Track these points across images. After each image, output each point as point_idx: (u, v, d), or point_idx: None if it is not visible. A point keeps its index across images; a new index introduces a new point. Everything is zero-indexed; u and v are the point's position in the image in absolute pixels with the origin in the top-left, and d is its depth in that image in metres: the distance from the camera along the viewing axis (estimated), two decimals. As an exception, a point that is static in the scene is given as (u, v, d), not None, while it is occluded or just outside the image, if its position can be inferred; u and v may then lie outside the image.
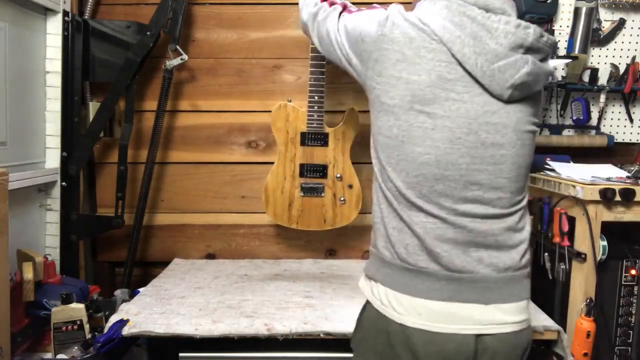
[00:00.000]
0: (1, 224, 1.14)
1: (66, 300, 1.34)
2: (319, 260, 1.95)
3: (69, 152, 1.73)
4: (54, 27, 1.68)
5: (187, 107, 1.92)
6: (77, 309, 1.35)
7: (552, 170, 1.68)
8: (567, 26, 1.88)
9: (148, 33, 1.74)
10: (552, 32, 1.86)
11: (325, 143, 1.73)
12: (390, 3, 1.07)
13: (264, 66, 1.91)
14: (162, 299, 1.51)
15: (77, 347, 1.31)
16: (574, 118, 1.89)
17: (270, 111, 1.83)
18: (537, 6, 1.82)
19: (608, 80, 1.86)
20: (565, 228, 1.45)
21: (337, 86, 1.86)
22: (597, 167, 1.68)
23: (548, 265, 1.54)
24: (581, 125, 1.92)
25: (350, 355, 1.20)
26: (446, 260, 0.96)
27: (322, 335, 1.31)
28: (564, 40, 1.89)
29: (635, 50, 1.90)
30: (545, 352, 1.41)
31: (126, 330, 1.30)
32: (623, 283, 1.46)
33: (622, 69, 1.88)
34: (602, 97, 1.87)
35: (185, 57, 1.77)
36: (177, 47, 1.77)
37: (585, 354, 1.32)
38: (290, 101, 1.75)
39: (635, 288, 1.47)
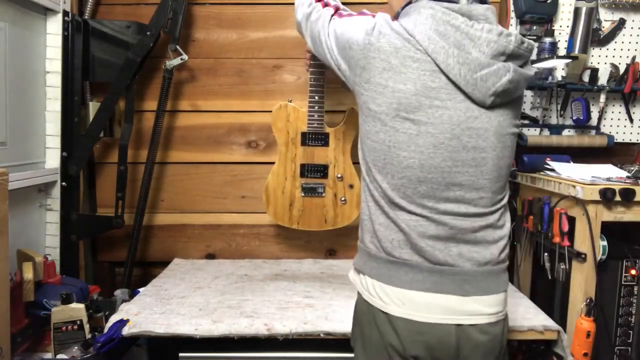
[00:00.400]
0: (1, 224, 1.14)
1: (66, 300, 1.34)
2: (319, 260, 1.95)
3: (69, 152, 1.73)
4: (54, 27, 1.68)
5: (187, 107, 1.92)
6: (77, 309, 1.35)
7: (552, 170, 1.68)
8: (567, 26, 1.88)
9: (148, 33, 1.74)
10: (552, 32, 1.86)
11: (325, 143, 1.73)
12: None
13: (264, 66, 1.91)
14: (162, 299, 1.51)
15: (77, 347, 1.31)
16: (574, 118, 1.89)
17: (270, 111, 1.82)
18: (537, 6, 1.82)
19: (608, 80, 1.86)
20: (565, 228, 1.45)
21: (337, 86, 1.85)
22: (597, 167, 1.68)
23: (548, 265, 1.54)
24: (581, 125, 1.92)
25: (349, 355, 1.20)
26: (429, 254, 1.01)
27: (322, 335, 1.31)
28: (564, 40, 1.89)
29: (635, 50, 1.90)
30: (545, 352, 1.41)
31: (126, 330, 1.30)
32: (623, 283, 1.47)
33: (622, 69, 1.88)
34: (602, 97, 1.87)
35: (185, 57, 1.77)
36: (177, 47, 1.77)
37: (585, 354, 1.32)
38: (290, 101, 1.74)
39: (635, 288, 1.47)
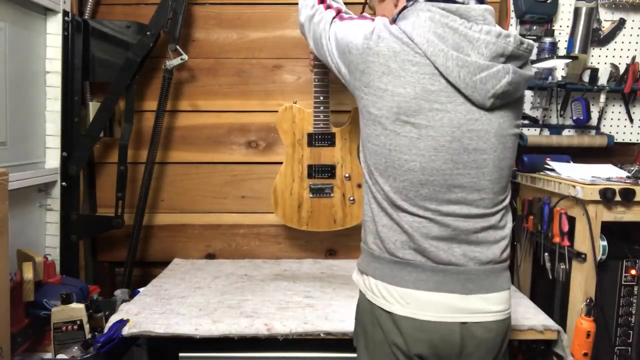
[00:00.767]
0: (1, 224, 1.14)
1: (66, 300, 1.34)
2: (319, 260, 1.95)
3: (69, 152, 1.73)
4: (54, 27, 1.68)
5: (187, 107, 1.92)
6: (77, 309, 1.35)
7: (552, 170, 1.68)
8: (567, 26, 1.88)
9: (148, 33, 1.74)
10: (552, 32, 1.86)
11: (332, 143, 1.73)
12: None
13: (264, 66, 1.91)
14: (162, 299, 1.51)
15: (77, 347, 1.31)
16: (574, 118, 1.89)
17: (270, 111, 1.83)
18: (537, 6, 1.82)
19: (608, 80, 1.86)
20: (565, 228, 1.45)
21: (341, 86, 1.86)
22: (597, 167, 1.68)
23: (548, 265, 1.54)
24: (581, 125, 1.92)
25: (349, 355, 1.21)
26: (433, 254, 1.01)
27: (322, 335, 1.31)
28: (564, 40, 1.89)
29: (635, 50, 1.90)
30: (545, 352, 1.41)
31: (126, 330, 1.30)
32: (623, 283, 1.47)
33: (622, 69, 1.88)
34: (602, 97, 1.87)
35: (185, 57, 1.77)
36: (177, 47, 1.77)
37: (585, 354, 1.32)
38: (295, 103, 1.74)
39: (635, 288, 1.47)
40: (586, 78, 1.87)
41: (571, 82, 1.86)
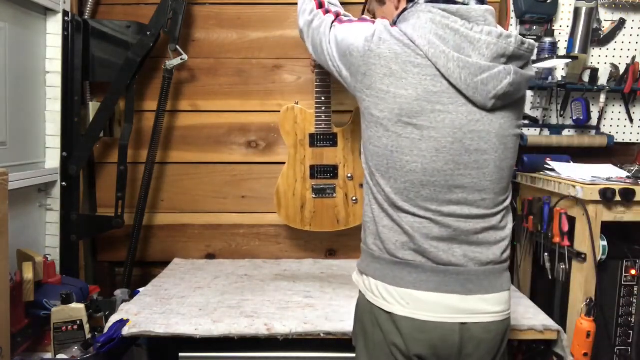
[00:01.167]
0: (1, 224, 1.14)
1: (66, 300, 1.34)
2: (319, 260, 1.95)
3: (69, 152, 1.73)
4: (54, 27, 1.68)
5: (187, 107, 1.92)
6: (77, 309, 1.35)
7: (552, 170, 1.68)
8: (567, 26, 1.88)
9: (148, 33, 1.74)
10: (552, 32, 1.86)
11: (334, 143, 1.73)
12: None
13: (264, 66, 1.91)
14: (162, 299, 1.51)
15: (77, 347, 1.31)
16: (574, 118, 1.89)
17: (270, 111, 1.83)
18: (537, 6, 1.82)
19: (608, 80, 1.86)
20: (565, 228, 1.45)
21: (341, 86, 1.85)
22: (597, 167, 1.68)
23: (548, 265, 1.54)
24: (581, 125, 1.92)
25: (349, 355, 1.20)
26: (433, 255, 1.01)
27: (322, 335, 1.31)
28: (564, 40, 1.89)
29: (635, 50, 1.90)
30: (545, 352, 1.41)
31: (126, 330, 1.30)
32: (623, 283, 1.47)
33: (622, 69, 1.88)
34: (602, 97, 1.87)
35: (185, 57, 1.77)
36: (177, 47, 1.77)
37: (585, 354, 1.32)
38: (297, 103, 1.74)
39: (635, 288, 1.47)
40: (586, 78, 1.87)
41: (571, 82, 1.85)
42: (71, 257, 1.75)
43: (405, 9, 1.06)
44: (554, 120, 1.94)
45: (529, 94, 1.92)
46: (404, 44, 0.99)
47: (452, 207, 1.01)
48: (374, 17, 1.23)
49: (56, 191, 1.71)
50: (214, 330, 1.30)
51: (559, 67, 1.90)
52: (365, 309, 1.09)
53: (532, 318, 1.39)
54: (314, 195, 1.75)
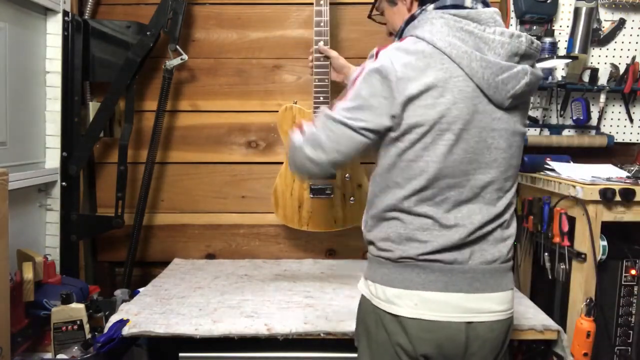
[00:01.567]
0: (1, 224, 1.14)
1: (66, 300, 1.34)
2: (319, 260, 1.95)
3: (69, 152, 1.73)
4: (54, 27, 1.68)
5: (187, 107, 1.92)
6: (77, 309, 1.35)
7: (552, 170, 1.68)
8: (567, 26, 1.88)
9: (148, 33, 1.74)
10: (552, 32, 1.86)
11: None
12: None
13: (264, 66, 1.91)
14: (162, 299, 1.51)
15: (77, 347, 1.31)
16: (574, 118, 1.89)
17: (270, 111, 1.82)
18: (537, 6, 1.82)
19: (608, 80, 1.86)
20: (565, 228, 1.45)
21: (340, 86, 1.86)
22: (597, 167, 1.68)
23: (548, 265, 1.54)
24: (581, 125, 1.92)
25: (349, 355, 1.20)
26: (442, 257, 1.01)
27: (322, 335, 1.31)
28: (564, 40, 1.89)
29: (635, 50, 1.90)
30: (545, 352, 1.41)
31: (126, 330, 1.30)
32: (623, 283, 1.47)
33: (622, 69, 1.88)
34: (602, 97, 1.87)
35: (185, 57, 1.77)
36: (177, 47, 1.77)
37: (585, 354, 1.32)
38: (296, 103, 1.74)
39: (635, 288, 1.47)
40: (586, 78, 1.87)
41: (571, 82, 1.86)
42: (71, 257, 1.75)
43: (413, 17, 1.05)
44: (554, 120, 1.94)
45: (529, 94, 1.92)
46: (425, 54, 0.96)
47: (469, 206, 1.01)
48: (384, 15, 1.21)
49: (56, 191, 1.71)
50: (214, 330, 1.30)
51: (559, 67, 1.90)
52: (368, 310, 1.09)
53: (532, 318, 1.39)
54: (311, 195, 1.75)
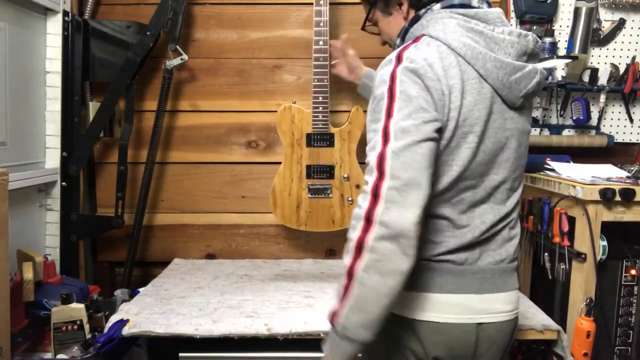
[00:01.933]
0: (1, 224, 1.14)
1: (66, 300, 1.34)
2: (319, 260, 1.95)
3: (69, 152, 1.73)
4: (54, 27, 1.68)
5: (187, 107, 1.92)
6: (77, 309, 1.34)
7: (552, 170, 1.68)
8: (567, 26, 1.88)
9: (148, 33, 1.74)
10: (552, 32, 1.86)
11: (331, 143, 1.73)
12: None
13: (264, 66, 1.91)
14: (162, 299, 1.51)
15: (77, 347, 1.31)
16: (574, 118, 1.89)
17: (270, 111, 1.82)
18: (537, 6, 1.82)
19: (608, 80, 1.86)
20: (565, 228, 1.45)
21: (339, 86, 1.86)
22: (597, 167, 1.68)
23: (548, 265, 1.54)
24: (581, 125, 1.92)
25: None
26: (454, 257, 1.00)
27: (322, 335, 1.31)
28: (564, 40, 1.89)
29: (635, 50, 1.90)
30: (545, 352, 1.41)
31: (126, 330, 1.30)
32: (623, 283, 1.47)
33: (622, 69, 1.88)
34: (602, 97, 1.87)
35: (185, 57, 1.77)
36: (177, 47, 1.77)
37: (585, 354, 1.32)
38: (294, 103, 1.74)
39: (635, 288, 1.47)
40: (586, 78, 1.87)
41: (571, 82, 1.86)
42: (71, 257, 1.75)
43: (417, 17, 1.03)
44: (554, 120, 1.94)
45: (529, 94, 1.92)
46: (441, 56, 0.93)
47: (481, 206, 1.00)
48: (376, 25, 1.18)
49: (56, 191, 1.71)
50: (214, 330, 1.30)
51: (559, 67, 1.90)
52: None
53: (532, 318, 1.39)
54: (309, 195, 1.75)
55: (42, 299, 1.37)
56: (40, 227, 1.70)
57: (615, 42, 1.90)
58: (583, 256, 1.39)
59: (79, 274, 1.79)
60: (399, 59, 0.94)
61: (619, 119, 1.94)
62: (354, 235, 0.90)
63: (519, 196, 1.06)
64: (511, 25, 1.86)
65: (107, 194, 1.86)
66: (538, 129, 1.93)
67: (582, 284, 1.40)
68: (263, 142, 1.94)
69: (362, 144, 1.76)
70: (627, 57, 1.90)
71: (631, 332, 1.48)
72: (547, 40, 1.85)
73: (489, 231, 1.01)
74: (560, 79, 1.88)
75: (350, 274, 0.90)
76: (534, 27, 1.88)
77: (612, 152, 1.94)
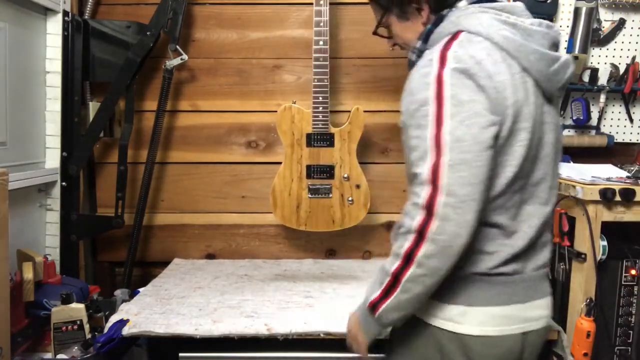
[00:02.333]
0: (1, 224, 1.14)
1: (66, 300, 1.34)
2: (319, 260, 1.95)
3: (69, 152, 1.73)
4: (54, 27, 1.68)
5: (187, 107, 1.92)
6: (77, 309, 1.34)
7: (552, 170, 1.68)
8: (567, 26, 1.88)
9: (148, 33, 1.74)
10: (552, 32, 1.86)
11: (331, 143, 1.73)
12: None
13: (264, 66, 1.91)
14: (162, 299, 1.51)
15: (77, 347, 1.31)
16: (574, 118, 1.89)
17: (270, 111, 1.82)
18: (537, 6, 1.82)
19: (608, 80, 1.86)
20: (565, 228, 1.45)
21: (339, 86, 1.86)
22: (597, 167, 1.68)
23: (548, 265, 1.54)
24: (581, 125, 1.92)
25: (350, 355, 1.20)
26: (506, 269, 0.96)
27: (322, 335, 1.31)
28: (564, 40, 1.89)
29: (635, 50, 1.90)
30: (546, 352, 1.41)
31: (126, 330, 1.30)
32: (623, 283, 1.46)
33: (622, 69, 1.88)
34: (602, 97, 1.87)
35: (185, 57, 1.77)
36: (177, 47, 1.77)
37: (585, 354, 1.32)
38: (294, 103, 1.74)
39: (635, 288, 1.47)
40: (586, 78, 1.87)
41: (571, 82, 1.85)
42: (71, 257, 1.75)
43: (441, 17, 0.99)
44: (554, 120, 1.94)
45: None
46: (488, 52, 0.89)
47: (526, 208, 0.96)
48: (388, 30, 1.13)
49: (56, 191, 1.71)
50: (214, 330, 1.30)
51: (559, 67, 1.90)
52: (419, 328, 1.01)
53: (532, 318, 1.38)
54: (309, 195, 1.75)
55: (42, 299, 1.37)
56: (40, 227, 1.70)
57: (615, 42, 1.90)
58: (583, 256, 1.39)
59: (79, 274, 1.79)
60: (442, 60, 0.88)
61: (619, 119, 1.94)
62: (405, 244, 0.89)
63: (557, 195, 1.03)
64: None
65: (107, 194, 1.86)
66: (538, 129, 1.93)
67: (582, 284, 1.40)
68: (263, 142, 1.94)
69: (362, 144, 1.76)
70: (627, 57, 1.90)
71: (631, 332, 1.47)
72: (547, 40, 1.85)
73: (535, 236, 0.97)
74: (560, 79, 1.88)
75: (396, 277, 0.92)
76: (534, 27, 1.87)
77: (612, 152, 1.94)
